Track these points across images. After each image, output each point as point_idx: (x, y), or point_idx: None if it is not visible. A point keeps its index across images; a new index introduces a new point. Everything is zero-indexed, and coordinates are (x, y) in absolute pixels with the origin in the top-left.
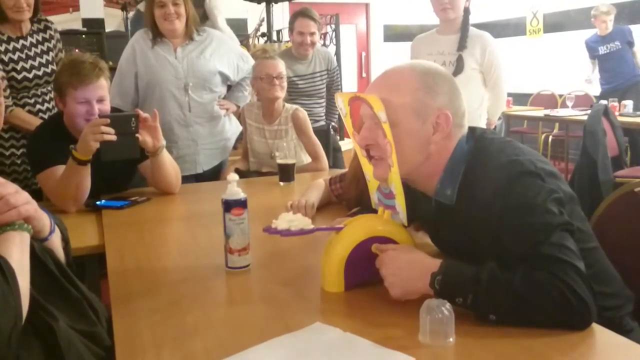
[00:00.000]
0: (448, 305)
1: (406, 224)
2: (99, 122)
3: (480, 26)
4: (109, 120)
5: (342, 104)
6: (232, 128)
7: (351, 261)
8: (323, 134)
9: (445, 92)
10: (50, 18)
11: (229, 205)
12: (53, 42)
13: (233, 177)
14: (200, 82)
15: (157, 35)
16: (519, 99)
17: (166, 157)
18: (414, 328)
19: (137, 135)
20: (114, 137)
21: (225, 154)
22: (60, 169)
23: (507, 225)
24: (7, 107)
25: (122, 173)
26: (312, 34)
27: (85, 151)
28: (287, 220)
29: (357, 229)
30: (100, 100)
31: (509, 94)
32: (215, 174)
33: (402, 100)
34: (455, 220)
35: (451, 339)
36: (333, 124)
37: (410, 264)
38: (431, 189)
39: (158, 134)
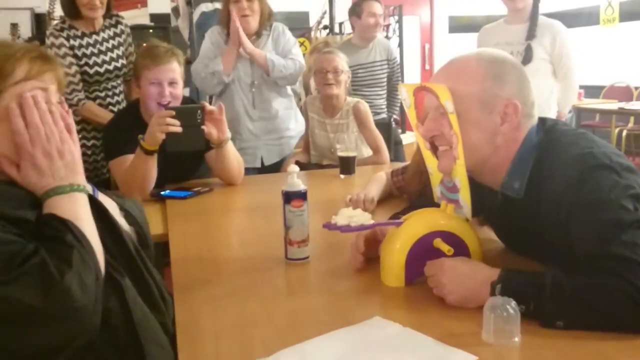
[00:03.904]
0: (513, 303)
1: (470, 218)
2: (164, 114)
3: (549, 16)
4: (174, 112)
5: (406, 95)
6: (297, 127)
7: (412, 256)
8: (384, 126)
9: (514, 81)
10: (119, 14)
11: (289, 197)
12: (123, 36)
13: (293, 168)
14: (267, 79)
15: None
16: (591, 91)
17: (230, 150)
18: (477, 326)
19: (202, 127)
20: (179, 129)
21: (287, 151)
22: (130, 157)
23: (577, 220)
24: (79, 100)
25: (189, 162)
26: (381, 16)
27: (152, 141)
28: (347, 216)
29: (418, 223)
30: (172, 83)
31: (580, 86)
32: (277, 167)
33: (469, 89)
34: (522, 214)
35: (516, 339)
36: (395, 116)
37: (471, 273)
38: (497, 182)
39: (223, 126)
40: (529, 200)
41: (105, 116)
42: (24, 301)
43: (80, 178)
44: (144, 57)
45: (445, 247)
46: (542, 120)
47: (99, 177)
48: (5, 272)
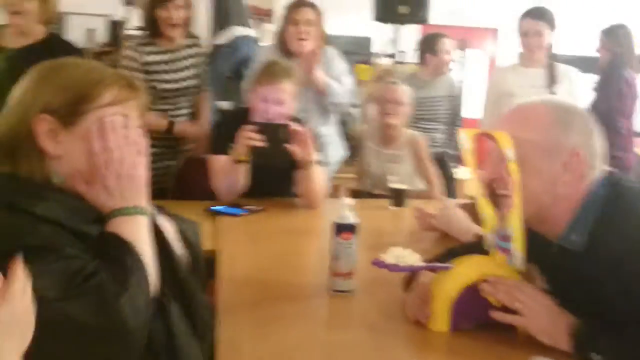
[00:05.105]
0: None
1: (524, 270)
2: (249, 128)
3: (568, 61)
4: (257, 127)
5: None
6: (336, 154)
7: (460, 301)
8: (439, 161)
9: (581, 130)
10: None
11: (339, 228)
12: (201, 58)
13: (347, 201)
14: (316, 105)
15: (287, 55)
16: None
17: (315, 174)
18: None
19: (286, 145)
20: (261, 144)
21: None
22: (225, 158)
23: None
24: None
25: (275, 178)
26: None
27: (238, 152)
28: (395, 255)
29: (468, 269)
30: (279, 103)
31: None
32: None
33: (533, 136)
34: (580, 269)
35: None
36: (453, 151)
37: (554, 309)
38: (554, 232)
39: (307, 148)
40: (591, 256)
41: (160, 124)
42: (79, 318)
43: (145, 201)
44: (260, 72)
45: (493, 298)
46: (608, 174)
47: (158, 185)
48: (66, 288)
